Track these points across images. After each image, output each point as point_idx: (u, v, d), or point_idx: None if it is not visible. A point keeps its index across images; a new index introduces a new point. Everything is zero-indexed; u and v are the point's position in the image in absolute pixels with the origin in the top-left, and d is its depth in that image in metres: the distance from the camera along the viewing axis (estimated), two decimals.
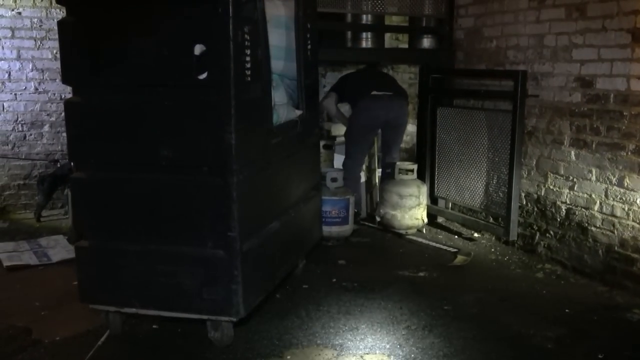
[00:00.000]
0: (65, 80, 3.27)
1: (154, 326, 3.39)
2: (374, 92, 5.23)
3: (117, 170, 3.15)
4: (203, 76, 2.95)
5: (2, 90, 5.56)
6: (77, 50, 3.10)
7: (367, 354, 3.11)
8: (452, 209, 5.44)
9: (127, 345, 3.23)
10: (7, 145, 5.64)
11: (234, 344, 3.18)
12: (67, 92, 3.24)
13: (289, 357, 3.10)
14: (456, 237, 5.14)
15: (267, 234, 3.38)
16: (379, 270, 4.34)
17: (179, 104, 3.02)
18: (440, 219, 5.53)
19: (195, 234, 3.05)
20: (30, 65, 5.61)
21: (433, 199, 5.52)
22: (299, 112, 3.87)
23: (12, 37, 5.53)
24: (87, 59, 3.08)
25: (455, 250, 4.73)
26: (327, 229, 4.71)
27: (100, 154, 3.16)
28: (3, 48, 5.51)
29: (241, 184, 3.01)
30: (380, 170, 5.70)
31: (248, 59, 3.07)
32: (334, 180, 4.91)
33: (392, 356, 3.09)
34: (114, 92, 3.11)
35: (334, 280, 4.13)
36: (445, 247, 4.82)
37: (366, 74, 5.72)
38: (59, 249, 4.64)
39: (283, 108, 3.68)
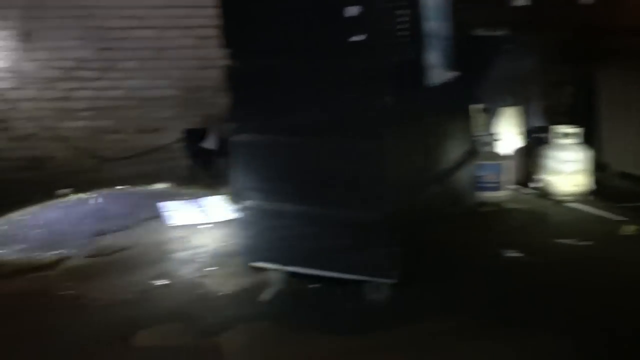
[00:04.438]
0: (223, 45, 3.37)
1: (314, 285, 3.45)
2: None
3: (274, 133, 3.24)
4: (356, 39, 2.93)
5: (160, 58, 5.86)
6: (234, 16, 3.20)
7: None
8: (616, 175, 5.04)
9: (288, 303, 3.33)
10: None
11: (391, 305, 3.18)
12: (225, 58, 3.36)
13: (442, 322, 3.04)
14: (624, 205, 4.76)
15: (421, 198, 3.34)
16: (536, 237, 4.13)
17: (333, 68, 3.03)
18: (603, 186, 5.15)
19: (352, 198, 3.09)
20: (188, 32, 5.84)
21: (596, 164, 5.14)
22: (452, 74, 3.74)
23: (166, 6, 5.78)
24: (244, 24, 3.17)
25: (624, 219, 4.39)
26: (481, 194, 4.56)
27: (258, 118, 3.26)
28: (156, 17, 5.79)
29: (394, 148, 2.99)
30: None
31: (402, 20, 3.01)
32: (488, 144, 4.74)
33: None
34: (269, 57, 3.19)
35: (490, 247, 3.99)
36: (610, 216, 4.49)
37: None
38: (219, 209, 4.87)
39: (436, 69, 3.58)
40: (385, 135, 2.96)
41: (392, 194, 3.02)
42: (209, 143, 5.39)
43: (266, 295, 3.34)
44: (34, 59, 5.75)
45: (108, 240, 4.42)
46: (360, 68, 2.96)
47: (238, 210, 3.42)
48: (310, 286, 3.45)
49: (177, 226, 4.63)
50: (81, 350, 2.95)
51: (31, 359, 2.94)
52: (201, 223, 4.66)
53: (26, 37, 5.69)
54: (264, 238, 3.35)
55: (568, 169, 4.80)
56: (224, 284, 3.58)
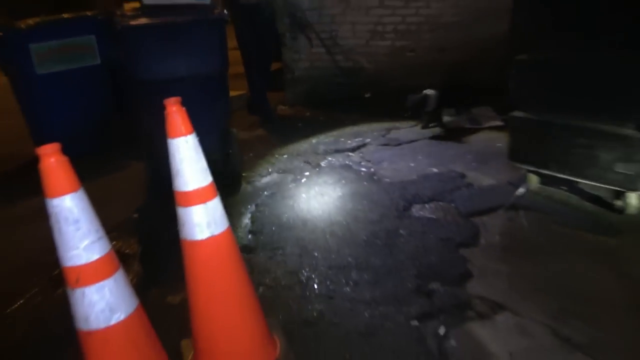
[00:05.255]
0: None
1: (563, 188, 3.87)
2: None
3: (567, 49, 3.50)
4: None
5: None
6: None
7: None
8: None
9: (540, 198, 3.81)
10: None
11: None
12: None
13: None
14: None
15: None
16: None
17: None
18: None
19: (615, 114, 3.33)
20: None
21: None
22: None
23: None
24: None
25: None
26: None
27: (552, 36, 3.55)
28: None
29: None
30: None
31: None
32: None
33: None
34: None
35: None
36: None
37: None
38: (487, 117, 5.55)
39: None
40: None
41: None
42: (429, 106, 5.77)
43: (521, 190, 3.89)
44: None
45: (397, 134, 5.42)
46: None
47: (513, 118, 3.80)
48: (562, 188, 3.87)
49: (449, 130, 5.42)
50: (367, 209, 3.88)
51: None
52: (471, 127, 5.38)
53: None
54: (529, 144, 3.77)
55: None
56: (487, 177, 4.21)
